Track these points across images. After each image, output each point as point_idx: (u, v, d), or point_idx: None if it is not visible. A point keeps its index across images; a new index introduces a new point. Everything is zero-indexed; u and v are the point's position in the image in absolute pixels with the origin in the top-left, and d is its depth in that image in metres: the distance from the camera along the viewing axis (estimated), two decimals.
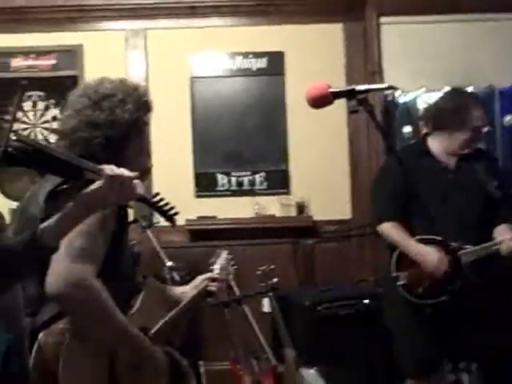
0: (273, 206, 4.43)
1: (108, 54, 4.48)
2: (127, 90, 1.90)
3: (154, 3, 4.47)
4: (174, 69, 4.48)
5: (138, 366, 1.79)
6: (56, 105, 4.44)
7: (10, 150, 1.23)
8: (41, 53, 4.44)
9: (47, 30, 4.44)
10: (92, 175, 1.37)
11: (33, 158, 1.30)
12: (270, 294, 3.32)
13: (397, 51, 4.53)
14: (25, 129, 4.39)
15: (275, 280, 3.27)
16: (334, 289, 4.03)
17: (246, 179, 4.47)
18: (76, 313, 1.68)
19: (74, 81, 4.42)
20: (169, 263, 3.27)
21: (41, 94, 4.43)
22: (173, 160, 4.26)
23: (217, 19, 4.54)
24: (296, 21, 4.51)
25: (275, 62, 4.50)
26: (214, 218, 4.38)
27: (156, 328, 1.93)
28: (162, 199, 1.46)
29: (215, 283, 2.29)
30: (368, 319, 3.79)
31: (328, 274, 4.38)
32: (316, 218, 4.45)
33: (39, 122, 4.46)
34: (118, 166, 1.60)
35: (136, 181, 1.40)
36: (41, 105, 4.45)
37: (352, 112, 1.71)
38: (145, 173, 1.88)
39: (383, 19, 4.52)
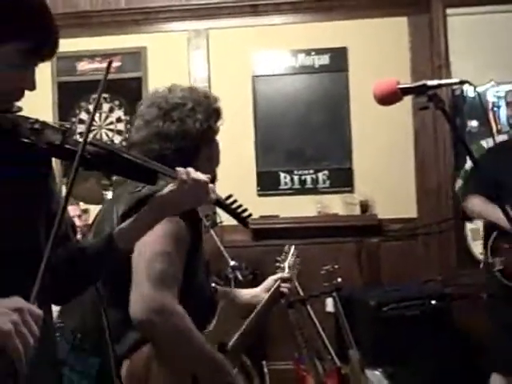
0: (336, 205, 4.38)
1: (171, 55, 4.53)
2: (197, 99, 1.87)
3: (216, 3, 4.49)
4: (236, 68, 4.49)
5: None
6: (120, 106, 4.52)
7: (85, 154, 1.23)
8: (106, 56, 4.52)
9: (111, 33, 4.53)
10: (166, 179, 1.37)
11: (108, 162, 1.31)
12: (334, 293, 3.27)
13: (464, 43, 4.39)
14: (71, 124, 4.48)
15: (339, 280, 3.22)
16: (400, 289, 3.95)
17: (308, 178, 4.43)
18: (159, 339, 1.66)
19: (138, 82, 4.50)
20: (232, 262, 3.26)
21: (106, 95, 4.52)
22: (235, 159, 4.26)
23: (278, 17, 4.52)
24: (359, 15, 4.44)
25: (338, 58, 4.44)
26: (276, 217, 4.37)
27: (233, 341, 1.92)
28: (235, 201, 1.45)
29: (287, 284, 2.25)
30: (435, 320, 3.71)
31: (393, 273, 4.30)
32: (381, 216, 4.37)
33: (104, 123, 4.56)
34: None
35: (211, 185, 1.39)
36: (106, 107, 4.54)
37: (422, 108, 1.64)
38: (212, 180, 1.88)
39: (449, 11, 4.39)
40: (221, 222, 3.70)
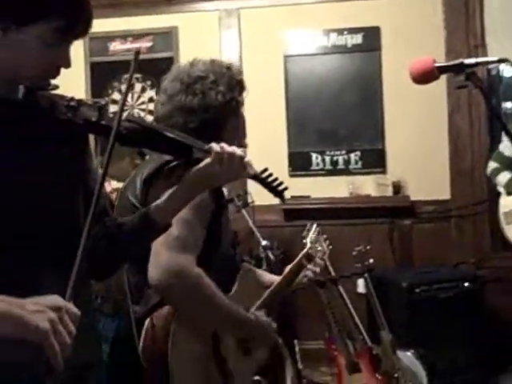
0: (368, 186, 4.35)
1: (202, 34, 4.52)
2: (219, 71, 1.87)
3: None
4: (268, 48, 4.46)
5: (246, 341, 1.82)
6: (152, 86, 4.53)
7: (120, 129, 1.24)
8: (138, 36, 4.54)
9: (143, 13, 4.53)
10: (201, 154, 1.36)
11: (143, 137, 1.31)
12: (366, 274, 3.25)
13: (500, 23, 4.29)
14: (106, 102, 4.51)
15: (371, 261, 3.20)
16: (433, 271, 3.92)
17: (340, 158, 4.40)
18: (177, 301, 1.70)
19: (169, 62, 4.48)
20: (264, 242, 3.27)
21: (138, 76, 4.53)
22: (267, 139, 4.25)
23: None
24: None
25: (371, 37, 4.38)
26: (308, 197, 4.35)
27: (254, 307, 1.93)
28: (270, 174, 1.42)
29: (311, 265, 2.23)
30: (468, 303, 3.67)
31: (425, 255, 4.26)
32: (413, 198, 4.32)
33: (136, 103, 4.58)
34: None
35: (246, 159, 1.37)
36: (138, 87, 4.56)
37: (460, 87, 1.61)
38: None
39: None
40: (252, 202, 3.70)
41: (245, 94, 1.93)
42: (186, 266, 1.65)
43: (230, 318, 1.79)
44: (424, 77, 1.68)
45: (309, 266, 2.21)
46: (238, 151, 1.37)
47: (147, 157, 3.02)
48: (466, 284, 3.73)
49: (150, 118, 4.53)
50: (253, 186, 2.82)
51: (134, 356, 1.72)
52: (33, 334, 1.07)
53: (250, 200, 3.67)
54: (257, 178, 1.42)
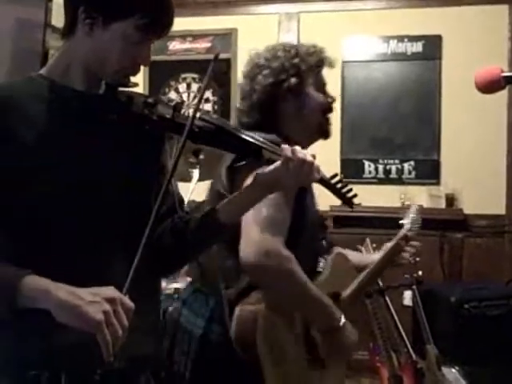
0: (421, 197, 4.27)
1: (261, 37, 4.50)
2: (273, 54, 1.92)
3: None
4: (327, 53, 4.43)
5: (331, 332, 1.81)
6: (209, 87, 4.57)
7: (193, 127, 1.26)
8: (197, 36, 4.58)
9: (204, 14, 4.58)
10: (271, 155, 1.34)
11: (215, 136, 1.32)
12: (414, 286, 3.20)
13: None
14: (181, 101, 4.57)
15: (420, 273, 3.15)
16: (483, 287, 3.82)
17: (393, 167, 4.35)
18: (268, 282, 1.71)
19: (227, 64, 4.53)
20: None
21: (195, 76, 4.58)
22: (320, 144, 4.22)
23: (371, 2, 4.44)
24: (455, 2, 4.28)
25: (432, 45, 4.31)
26: (358, 205, 4.29)
27: (349, 291, 1.94)
28: (340, 181, 1.40)
29: (406, 246, 2.18)
30: None
31: (477, 271, 4.17)
32: (467, 211, 4.23)
33: (192, 103, 4.61)
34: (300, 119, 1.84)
35: (316, 163, 1.34)
36: (194, 86, 4.61)
37: None
38: (327, 111, 1.93)
39: None
40: None
41: (308, 79, 1.91)
42: (277, 247, 1.66)
43: (317, 305, 1.78)
44: (489, 86, 1.64)
45: (406, 248, 2.19)
46: (309, 157, 1.34)
47: (201, 156, 3.06)
48: None
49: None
50: None
51: (224, 338, 1.74)
52: (87, 325, 1.10)
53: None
54: (326, 183, 1.39)
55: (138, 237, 1.16)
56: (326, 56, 1.99)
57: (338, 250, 2.01)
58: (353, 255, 2.20)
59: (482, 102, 3.75)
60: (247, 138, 1.33)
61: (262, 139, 1.36)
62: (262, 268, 1.66)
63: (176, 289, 3.01)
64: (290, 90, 1.89)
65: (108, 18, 1.26)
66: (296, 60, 1.91)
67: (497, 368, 3.45)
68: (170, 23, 1.32)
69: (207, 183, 3.17)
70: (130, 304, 1.14)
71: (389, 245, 2.18)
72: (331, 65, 2.00)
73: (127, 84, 1.32)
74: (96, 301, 1.11)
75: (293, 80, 1.89)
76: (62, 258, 1.25)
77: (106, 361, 1.11)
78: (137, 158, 1.33)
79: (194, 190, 3.10)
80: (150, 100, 1.29)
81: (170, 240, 1.37)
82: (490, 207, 4.25)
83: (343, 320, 1.80)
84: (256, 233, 1.66)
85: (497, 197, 4.24)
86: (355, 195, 1.42)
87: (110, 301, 1.12)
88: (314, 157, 1.34)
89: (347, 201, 1.42)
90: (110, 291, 1.13)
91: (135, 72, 1.32)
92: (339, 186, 1.42)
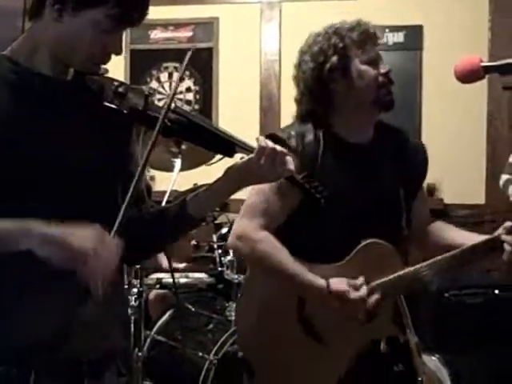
0: None
1: (243, 26, 4.51)
2: (313, 40, 1.96)
3: None
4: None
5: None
6: (190, 76, 4.55)
7: (165, 121, 1.24)
8: (179, 25, 4.55)
9: (185, 3, 4.55)
10: (244, 152, 1.34)
11: (187, 131, 1.30)
12: None
13: None
14: (160, 99, 4.54)
15: None
16: (463, 276, 3.86)
17: None
18: (246, 262, 1.95)
19: (209, 53, 4.50)
20: None
21: (177, 65, 4.55)
22: None
23: None
24: None
25: (413, 36, 4.33)
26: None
27: (381, 280, 1.87)
28: (311, 181, 1.38)
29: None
30: (498, 310, 3.61)
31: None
32: (447, 201, 4.26)
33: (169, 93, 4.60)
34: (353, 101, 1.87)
35: (288, 158, 1.34)
36: (176, 76, 4.58)
37: (506, 88, 1.59)
38: (380, 83, 1.92)
39: None
40: None
41: (358, 51, 1.91)
42: (250, 231, 1.83)
43: (291, 282, 1.82)
44: (469, 76, 1.64)
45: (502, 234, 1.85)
46: (281, 148, 1.34)
47: (183, 146, 3.05)
48: (497, 291, 3.67)
49: (187, 108, 4.55)
50: None
51: None
52: (75, 254, 1.10)
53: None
54: (294, 179, 1.38)
55: (107, 224, 1.16)
56: (370, 29, 1.97)
57: (372, 240, 1.91)
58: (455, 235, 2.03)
59: (462, 93, 3.77)
60: (220, 134, 1.32)
61: (235, 136, 1.34)
62: (237, 249, 1.90)
63: (158, 279, 3.01)
64: (334, 70, 1.88)
65: (78, 4, 1.21)
66: (334, 39, 1.91)
67: (477, 356, 3.49)
68: (144, 13, 1.27)
69: (189, 173, 3.18)
70: (118, 241, 1.14)
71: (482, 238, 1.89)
72: (375, 37, 1.97)
73: (97, 72, 1.29)
74: (83, 233, 1.12)
75: (333, 59, 1.88)
76: None
77: (93, 294, 1.10)
78: (103, 144, 1.30)
79: (176, 180, 3.09)
80: (120, 89, 1.26)
81: (137, 229, 1.35)
82: (470, 197, 4.29)
83: (331, 283, 1.78)
84: (238, 219, 1.87)
85: (477, 187, 4.28)
86: (324, 196, 1.40)
87: (98, 234, 1.12)
88: (286, 154, 1.33)
89: (315, 200, 1.41)
90: (98, 227, 1.14)
91: (106, 61, 1.28)
92: (309, 185, 1.39)
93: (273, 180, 1.40)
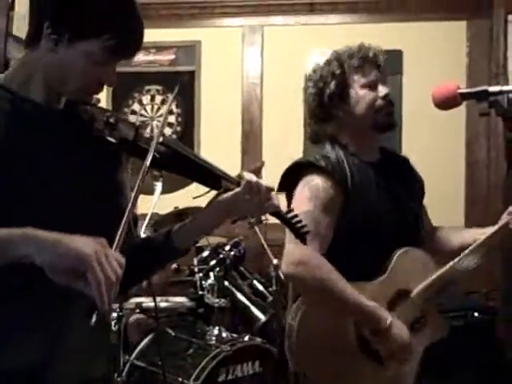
0: None
1: (225, 50, 4.54)
2: (319, 66, 2.04)
3: (273, 0, 4.48)
4: (290, 66, 4.47)
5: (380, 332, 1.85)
6: (172, 99, 4.56)
7: (154, 153, 1.24)
8: (161, 48, 4.57)
9: (167, 26, 4.57)
10: (230, 185, 1.34)
11: (175, 163, 1.31)
12: None
13: None
14: (142, 121, 4.54)
15: None
16: (442, 299, 3.87)
17: None
18: (301, 289, 1.86)
19: (191, 76, 4.52)
20: (275, 261, 3.26)
21: (159, 88, 4.56)
22: (285, 155, 4.25)
23: (334, 16, 4.49)
24: (416, 18, 4.37)
25: (392, 60, 4.38)
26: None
27: (421, 286, 1.94)
28: (295, 216, 1.40)
29: None
30: (478, 333, 3.63)
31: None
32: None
33: (156, 115, 4.60)
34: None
35: (273, 194, 1.36)
36: (158, 99, 4.59)
37: (482, 115, 1.61)
38: (378, 106, 1.99)
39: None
40: (266, 220, 3.70)
41: (354, 75, 1.99)
42: (305, 256, 1.79)
43: (356, 310, 1.82)
44: (446, 102, 1.67)
45: None
46: (267, 184, 1.36)
47: (164, 171, 3.05)
48: (476, 314, 3.69)
49: (169, 131, 4.56)
50: None
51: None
52: (75, 259, 1.05)
53: (263, 218, 3.66)
54: (280, 214, 1.39)
55: None
56: (370, 53, 2.05)
57: (405, 249, 1.97)
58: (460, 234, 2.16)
59: (441, 117, 3.81)
60: (207, 167, 1.33)
61: (221, 169, 1.35)
62: (294, 277, 1.84)
63: (137, 303, 2.99)
64: (333, 96, 1.96)
65: (74, 36, 1.23)
66: (333, 66, 2.00)
67: (457, 378, 3.49)
68: (138, 46, 1.29)
69: (170, 196, 3.17)
70: (122, 258, 1.09)
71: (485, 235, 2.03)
72: (376, 60, 2.04)
73: (89, 101, 1.30)
74: (86, 241, 1.07)
75: (332, 86, 1.96)
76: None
77: (99, 308, 1.03)
78: (93, 173, 1.31)
79: (157, 203, 3.09)
80: (111, 120, 1.27)
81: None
82: (449, 220, 4.31)
83: (389, 320, 1.82)
84: (289, 245, 1.81)
85: (456, 209, 4.31)
86: (308, 232, 1.42)
87: (102, 245, 1.07)
88: (272, 189, 1.36)
89: (300, 235, 1.42)
90: (100, 239, 1.09)
91: (98, 91, 1.30)
92: (294, 220, 1.41)
93: (256, 214, 1.41)
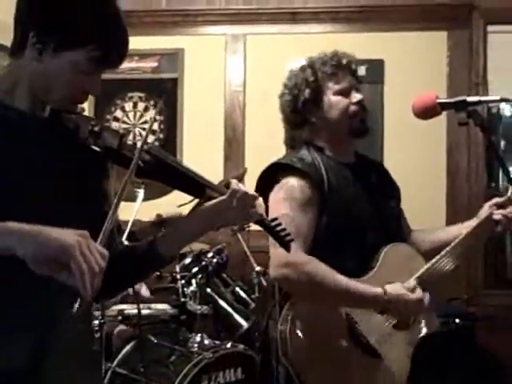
0: None
1: (208, 58, 4.55)
2: (293, 73, 2.12)
3: (255, 9, 4.51)
4: (272, 74, 4.47)
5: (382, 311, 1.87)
6: (155, 106, 4.56)
7: (138, 162, 1.25)
8: (144, 55, 4.57)
9: (150, 34, 4.57)
10: (214, 193, 1.35)
11: (159, 172, 1.31)
12: None
13: (504, 62, 4.34)
14: (124, 129, 4.54)
15: None
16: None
17: None
18: (295, 288, 1.85)
19: (173, 83, 4.53)
20: (257, 268, 3.27)
21: (141, 95, 4.56)
22: (264, 163, 4.26)
23: (316, 26, 4.52)
24: (398, 28, 4.41)
25: (374, 70, 4.42)
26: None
27: (417, 275, 1.96)
28: (279, 224, 1.41)
29: (503, 210, 2.06)
30: (459, 339, 3.65)
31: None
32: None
33: (138, 122, 4.60)
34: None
35: (258, 202, 1.37)
36: (141, 106, 4.58)
37: (461, 124, 1.64)
38: (351, 112, 2.03)
39: (491, 28, 4.35)
40: (248, 227, 3.70)
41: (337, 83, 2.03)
42: (290, 257, 1.70)
43: (354, 294, 1.83)
44: (426, 112, 1.71)
45: (496, 211, 2.08)
46: (253, 192, 1.37)
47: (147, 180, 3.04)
48: (457, 320, 3.71)
49: (151, 138, 4.55)
50: None
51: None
52: (57, 249, 1.04)
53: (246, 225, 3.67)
54: (264, 223, 1.39)
55: None
56: (343, 61, 2.09)
57: (393, 244, 2.01)
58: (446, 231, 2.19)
59: (422, 126, 3.83)
60: (192, 176, 1.34)
61: (205, 178, 1.36)
62: (284, 279, 1.83)
63: (119, 311, 2.97)
64: (307, 103, 2.01)
65: (59, 46, 1.23)
66: (307, 73, 2.05)
67: None
68: (124, 56, 1.30)
69: (152, 203, 3.17)
70: (105, 251, 1.08)
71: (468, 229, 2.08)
72: (349, 67, 2.09)
73: (73, 110, 1.30)
74: (68, 232, 1.06)
75: (306, 92, 2.01)
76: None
77: (82, 296, 1.03)
78: (77, 181, 1.31)
79: (138, 210, 3.08)
80: (96, 128, 1.27)
81: (107, 267, 1.34)
82: (431, 226, 4.35)
83: (388, 289, 1.85)
84: (273, 248, 1.82)
85: (437, 216, 4.34)
86: (292, 240, 1.43)
87: (84, 236, 1.07)
88: (257, 197, 1.36)
89: (284, 244, 1.43)
90: (83, 232, 1.08)
91: (83, 100, 1.31)
92: (278, 229, 1.41)
93: (241, 222, 1.42)
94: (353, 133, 2.04)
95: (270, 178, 2.00)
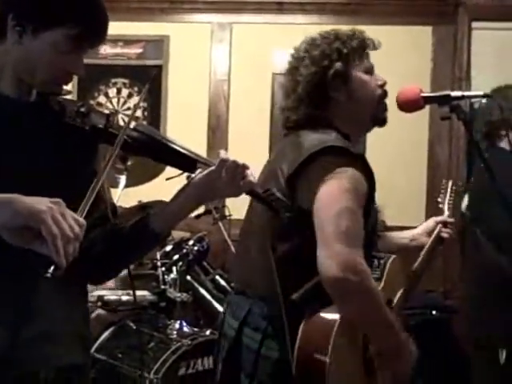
0: None
1: (193, 45, 4.54)
2: (313, 43, 1.83)
3: None
4: (257, 64, 4.49)
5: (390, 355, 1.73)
6: (139, 93, 4.54)
7: (126, 138, 1.25)
8: (129, 41, 4.55)
9: (136, 19, 4.55)
10: (205, 168, 1.34)
11: (148, 147, 1.32)
12: None
13: (487, 58, 4.38)
14: (109, 114, 4.51)
15: None
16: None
17: None
18: (349, 298, 1.59)
19: (158, 70, 4.51)
20: None
21: (125, 81, 4.53)
22: (248, 153, 4.26)
23: (302, 16, 4.52)
24: (383, 21, 4.42)
25: None
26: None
27: (397, 297, 1.91)
28: (272, 194, 1.37)
29: (447, 229, 2.12)
30: (436, 330, 3.70)
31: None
32: (389, 223, 4.35)
33: (122, 108, 4.58)
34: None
35: (249, 172, 1.33)
36: (124, 92, 4.56)
37: (444, 118, 1.65)
38: (381, 95, 1.83)
39: (475, 24, 4.38)
40: (229, 216, 3.72)
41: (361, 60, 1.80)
42: (362, 263, 1.57)
43: (386, 323, 1.66)
44: (410, 105, 1.73)
45: (443, 229, 2.15)
46: (242, 162, 1.33)
47: (129, 162, 3.03)
48: (434, 312, 3.76)
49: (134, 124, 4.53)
50: (230, 200, 2.86)
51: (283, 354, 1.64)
52: (28, 215, 1.03)
53: (227, 213, 3.68)
54: (255, 193, 1.37)
55: None
56: (369, 38, 1.85)
57: (392, 257, 1.96)
58: (400, 236, 2.22)
59: (404, 120, 3.85)
60: (181, 150, 1.33)
61: (196, 153, 1.34)
62: (348, 284, 1.54)
63: (99, 296, 2.98)
64: (336, 76, 1.75)
65: (38, 26, 1.24)
66: (337, 44, 1.78)
67: (413, 376, 3.56)
68: (103, 34, 1.31)
69: (134, 189, 3.16)
70: (82, 220, 1.07)
71: (428, 241, 2.15)
72: (375, 46, 1.87)
73: (59, 92, 1.31)
74: (40, 199, 1.05)
75: (338, 64, 1.75)
76: None
77: (57, 262, 1.01)
78: (66, 163, 1.31)
79: (120, 197, 3.07)
80: (82, 109, 1.29)
81: (102, 248, 1.34)
82: (411, 220, 4.38)
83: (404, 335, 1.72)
84: (340, 246, 1.54)
85: (417, 210, 4.39)
86: (287, 206, 1.40)
87: (57, 204, 1.05)
88: (247, 167, 1.34)
89: (276, 211, 1.39)
90: (57, 200, 1.07)
91: (67, 81, 1.31)
92: (270, 198, 1.38)
93: (233, 194, 1.36)
94: (375, 120, 1.84)
95: (322, 161, 1.67)
